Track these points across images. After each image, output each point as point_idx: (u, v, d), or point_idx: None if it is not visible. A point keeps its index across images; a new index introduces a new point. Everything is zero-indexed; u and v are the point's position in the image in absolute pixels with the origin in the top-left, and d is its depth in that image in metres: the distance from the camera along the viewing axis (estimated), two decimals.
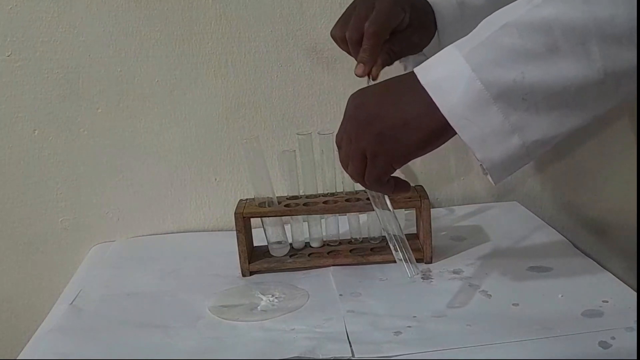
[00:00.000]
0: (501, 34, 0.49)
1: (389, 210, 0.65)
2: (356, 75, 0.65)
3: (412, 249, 0.78)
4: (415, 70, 0.53)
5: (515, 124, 0.50)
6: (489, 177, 0.54)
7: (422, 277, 0.74)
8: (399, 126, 0.53)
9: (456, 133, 0.51)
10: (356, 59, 0.66)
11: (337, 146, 0.60)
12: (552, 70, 0.48)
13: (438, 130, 0.52)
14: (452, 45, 0.52)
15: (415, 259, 0.77)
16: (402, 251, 0.64)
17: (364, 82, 0.91)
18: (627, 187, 0.99)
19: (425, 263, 0.77)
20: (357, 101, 0.56)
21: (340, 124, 0.58)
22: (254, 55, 0.89)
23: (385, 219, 0.65)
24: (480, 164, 0.53)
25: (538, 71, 0.48)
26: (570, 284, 0.69)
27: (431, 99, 0.51)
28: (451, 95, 0.50)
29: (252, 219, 0.77)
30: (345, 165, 0.59)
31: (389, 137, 0.54)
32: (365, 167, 0.56)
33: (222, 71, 0.89)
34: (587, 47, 0.48)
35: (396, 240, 0.65)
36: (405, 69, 0.77)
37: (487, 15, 0.52)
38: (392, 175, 0.58)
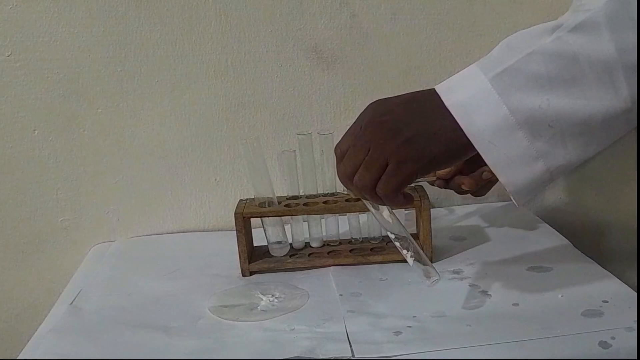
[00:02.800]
0: (527, 60, 0.49)
1: (397, 220, 0.64)
2: None
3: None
4: (438, 90, 0.53)
5: (541, 150, 0.50)
6: (512, 199, 0.54)
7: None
8: (427, 135, 0.53)
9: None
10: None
11: (340, 154, 0.58)
12: (578, 99, 0.49)
13: (463, 147, 0.52)
14: (475, 65, 0.52)
15: (415, 259, 0.77)
16: (417, 255, 0.63)
17: (363, 81, 0.92)
18: (627, 187, 0.99)
19: None
20: (382, 109, 0.55)
21: (348, 131, 0.57)
22: (254, 55, 0.89)
23: (397, 229, 0.64)
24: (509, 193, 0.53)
25: (564, 99, 0.49)
26: (570, 284, 0.69)
27: (455, 122, 0.51)
28: (476, 119, 0.50)
29: (252, 219, 0.77)
30: (350, 175, 0.57)
31: (417, 145, 0.53)
32: (380, 176, 0.55)
33: (222, 71, 0.89)
34: (614, 76, 0.48)
35: (412, 246, 0.63)
36: None
37: None
38: None
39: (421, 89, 0.56)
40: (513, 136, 0.50)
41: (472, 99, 0.51)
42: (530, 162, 0.51)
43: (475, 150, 0.52)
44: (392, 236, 0.64)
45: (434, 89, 0.54)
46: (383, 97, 0.57)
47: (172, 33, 0.87)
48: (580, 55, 0.48)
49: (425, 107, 0.53)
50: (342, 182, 0.59)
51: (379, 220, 0.65)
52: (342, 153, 0.58)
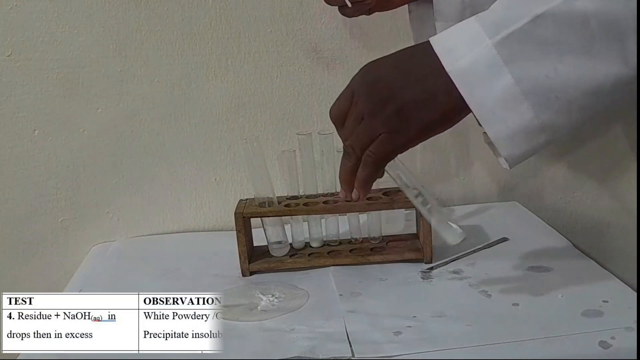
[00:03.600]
0: (535, 24, 0.46)
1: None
2: None
3: (411, 249, 0.78)
4: (437, 50, 0.49)
5: (545, 123, 0.48)
6: (500, 162, 0.52)
7: (422, 277, 0.74)
8: (420, 102, 0.50)
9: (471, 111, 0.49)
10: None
11: (335, 118, 0.56)
12: (587, 67, 0.46)
13: (459, 112, 0.50)
14: (477, 23, 0.48)
15: (415, 259, 0.77)
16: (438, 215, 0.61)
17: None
18: (627, 187, 0.99)
19: (425, 263, 0.77)
20: (371, 76, 0.53)
21: (340, 96, 0.55)
22: (254, 55, 0.89)
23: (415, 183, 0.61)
24: (484, 132, 0.50)
25: (572, 68, 0.46)
26: (570, 284, 0.69)
27: (452, 80, 0.48)
28: (479, 88, 0.48)
29: (252, 219, 0.77)
30: (346, 139, 0.55)
31: (409, 114, 0.51)
32: (369, 145, 0.53)
33: (222, 71, 0.89)
34: (624, 44, 0.45)
35: (429, 205, 0.61)
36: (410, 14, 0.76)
37: None
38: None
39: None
40: (517, 107, 0.47)
41: (475, 65, 0.47)
42: (534, 135, 0.48)
43: (468, 113, 0.50)
44: (414, 192, 0.61)
45: (428, 43, 0.50)
46: (375, 61, 0.54)
47: (172, 33, 0.87)
48: (592, 18, 0.45)
49: (419, 67, 0.50)
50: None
51: (401, 177, 0.61)
52: (336, 118, 0.56)
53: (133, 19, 0.86)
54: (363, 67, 0.54)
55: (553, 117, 0.48)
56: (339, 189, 0.78)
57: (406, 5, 0.77)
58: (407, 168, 0.61)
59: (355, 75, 0.55)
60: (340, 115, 0.55)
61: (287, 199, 0.79)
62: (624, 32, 0.45)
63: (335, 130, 0.57)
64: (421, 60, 0.51)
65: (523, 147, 0.49)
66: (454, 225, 0.61)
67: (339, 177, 0.58)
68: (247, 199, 0.80)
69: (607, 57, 0.46)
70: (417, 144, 0.54)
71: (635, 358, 0.55)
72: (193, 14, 0.87)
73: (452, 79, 0.48)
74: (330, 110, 0.56)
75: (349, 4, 0.71)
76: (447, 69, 0.49)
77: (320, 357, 0.58)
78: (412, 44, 0.89)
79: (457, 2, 0.69)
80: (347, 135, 0.55)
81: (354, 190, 0.57)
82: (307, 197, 0.79)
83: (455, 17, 0.70)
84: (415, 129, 0.52)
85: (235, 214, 0.76)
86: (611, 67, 0.46)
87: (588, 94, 0.47)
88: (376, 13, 0.79)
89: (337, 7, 0.74)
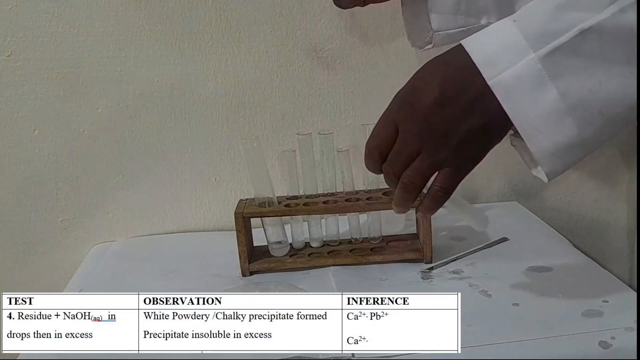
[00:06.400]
0: (583, 38, 0.45)
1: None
2: None
3: (411, 249, 0.78)
4: (476, 59, 0.48)
5: (587, 138, 0.47)
6: (535, 172, 0.52)
7: (422, 278, 0.74)
8: (478, 128, 0.49)
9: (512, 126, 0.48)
10: None
11: (375, 155, 0.54)
12: (631, 82, 0.45)
13: (501, 133, 0.49)
14: (519, 32, 0.47)
15: (415, 259, 0.77)
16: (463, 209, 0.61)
17: (363, 81, 0.91)
18: (627, 187, 0.99)
19: (425, 263, 0.77)
20: (421, 115, 0.50)
21: (379, 129, 0.53)
22: (254, 55, 0.89)
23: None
24: (512, 134, 0.50)
25: (617, 82, 0.45)
26: (570, 284, 0.69)
27: (495, 97, 0.47)
28: (523, 103, 0.47)
29: (252, 219, 0.77)
30: (399, 173, 0.54)
31: (471, 142, 0.50)
32: (430, 177, 0.53)
33: (222, 71, 0.89)
34: None
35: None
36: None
37: None
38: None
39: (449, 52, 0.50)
40: (561, 123, 0.46)
41: (520, 80, 0.46)
42: (575, 150, 0.47)
43: (509, 130, 0.49)
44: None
45: (462, 50, 0.48)
46: (415, 90, 0.52)
47: (172, 33, 0.87)
48: (638, 31, 0.44)
49: (464, 87, 0.49)
50: (386, 181, 0.55)
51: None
52: (379, 152, 0.53)
53: (133, 19, 0.86)
54: (402, 95, 0.52)
55: (596, 132, 0.47)
56: (339, 189, 0.79)
57: None
58: None
59: (391, 104, 0.53)
60: (384, 150, 0.53)
61: (287, 199, 0.79)
62: None
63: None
64: (467, 82, 0.49)
65: (564, 162, 0.49)
66: (479, 212, 0.62)
67: (396, 206, 0.56)
68: (247, 199, 0.80)
69: None
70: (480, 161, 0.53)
71: (635, 358, 0.55)
72: (193, 14, 0.87)
73: (494, 91, 0.47)
74: (370, 144, 0.54)
75: None
76: (488, 81, 0.47)
77: (321, 357, 0.58)
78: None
79: None
80: (399, 169, 0.53)
81: (420, 213, 0.57)
82: (307, 197, 0.79)
83: (450, 9, 0.70)
84: (477, 155, 0.52)
85: (235, 214, 0.76)
86: None
87: (631, 109, 0.46)
88: (376, 12, 0.79)
89: (336, 7, 0.74)
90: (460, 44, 0.50)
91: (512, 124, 0.48)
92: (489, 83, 0.47)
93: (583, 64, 0.45)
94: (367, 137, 0.55)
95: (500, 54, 0.47)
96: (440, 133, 0.50)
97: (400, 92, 0.53)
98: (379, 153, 0.54)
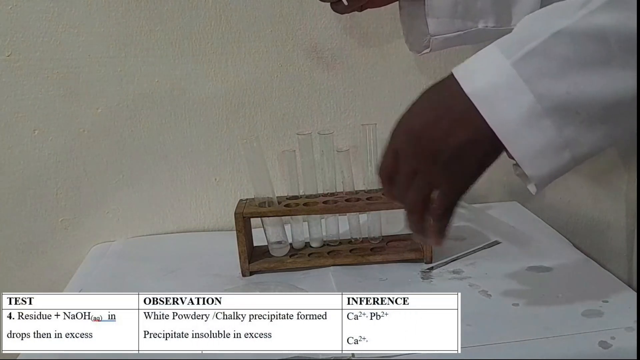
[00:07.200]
0: (553, 41, 0.46)
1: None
2: None
3: (411, 249, 0.78)
4: (457, 75, 0.50)
5: (568, 139, 0.47)
6: (529, 187, 0.53)
7: (422, 278, 0.74)
8: (466, 144, 0.50)
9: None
10: None
11: (384, 182, 0.55)
12: (607, 82, 0.46)
13: (492, 148, 0.50)
14: (495, 46, 0.49)
15: (415, 259, 0.77)
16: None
17: (363, 81, 0.91)
18: (626, 187, 0.99)
19: (425, 263, 0.77)
20: (412, 133, 0.52)
21: (385, 156, 0.55)
22: (254, 55, 0.89)
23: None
24: (514, 164, 0.50)
25: (592, 83, 0.46)
26: (570, 284, 0.69)
27: (478, 111, 0.48)
28: (500, 108, 0.47)
29: (252, 219, 0.77)
30: (401, 197, 0.55)
31: (460, 159, 0.50)
32: (429, 195, 0.54)
33: (222, 71, 0.89)
34: None
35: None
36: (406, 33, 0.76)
37: None
38: None
39: (438, 81, 0.52)
40: (539, 125, 0.47)
41: (495, 87, 0.47)
42: (557, 152, 0.48)
43: (502, 149, 0.49)
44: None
45: (452, 77, 0.50)
46: (410, 114, 0.53)
47: (172, 33, 0.87)
48: (611, 34, 0.45)
49: (451, 106, 0.50)
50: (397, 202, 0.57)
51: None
52: (387, 177, 0.55)
53: (133, 19, 0.86)
54: (400, 122, 0.54)
55: (575, 132, 0.47)
56: (339, 189, 0.79)
57: (397, 2, 0.77)
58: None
59: (393, 131, 0.54)
60: (389, 175, 0.55)
61: (287, 199, 0.79)
62: None
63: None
64: (453, 99, 0.50)
65: (549, 167, 0.49)
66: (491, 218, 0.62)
67: (411, 231, 0.57)
68: (247, 199, 0.80)
69: (625, 71, 0.46)
70: (477, 180, 0.53)
71: (635, 358, 0.55)
72: (193, 14, 0.87)
73: (473, 101, 0.48)
74: (380, 171, 0.56)
75: (345, 2, 0.71)
76: (466, 91, 0.48)
77: (321, 357, 0.58)
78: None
79: None
80: (403, 194, 0.55)
81: (434, 239, 0.57)
82: (307, 197, 0.79)
83: (448, 12, 0.70)
84: (470, 171, 0.52)
85: (235, 214, 0.76)
86: (630, 81, 0.46)
87: (609, 108, 0.47)
88: (376, 12, 0.79)
89: (330, 4, 0.74)
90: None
91: (497, 142, 0.49)
92: (467, 93, 0.48)
93: (557, 66, 0.46)
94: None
95: (477, 65, 0.49)
96: (431, 151, 0.51)
97: (400, 118, 0.54)
98: (385, 177, 0.55)
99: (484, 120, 0.48)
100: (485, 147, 0.50)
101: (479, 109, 0.48)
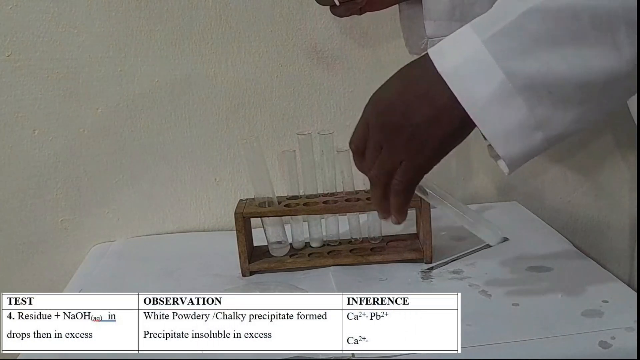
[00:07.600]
0: (524, 19, 0.45)
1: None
2: None
3: (411, 249, 0.78)
4: (430, 53, 0.49)
5: (540, 119, 0.47)
6: (500, 166, 0.52)
7: (422, 278, 0.74)
8: (430, 119, 0.50)
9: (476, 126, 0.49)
10: None
11: (355, 150, 0.56)
12: (579, 61, 0.45)
13: (460, 124, 0.49)
14: (469, 26, 0.49)
15: (415, 259, 0.77)
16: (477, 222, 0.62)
17: (363, 81, 0.92)
18: (627, 188, 0.99)
19: (425, 263, 0.77)
20: (381, 105, 0.53)
21: (356, 128, 0.55)
22: (254, 55, 0.89)
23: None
24: (488, 145, 0.50)
25: (564, 62, 0.45)
26: (570, 284, 0.69)
27: (447, 86, 0.48)
28: (470, 86, 0.47)
29: (252, 219, 0.77)
30: (368, 170, 0.56)
31: (423, 135, 0.50)
32: (393, 172, 0.54)
33: (222, 71, 0.89)
34: (616, 37, 0.44)
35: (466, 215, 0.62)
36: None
37: None
38: None
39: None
40: (511, 104, 0.46)
41: (465, 63, 0.47)
42: (529, 132, 0.47)
43: (472, 128, 0.49)
44: (447, 206, 0.63)
45: (427, 55, 0.50)
46: (382, 88, 0.54)
47: (172, 33, 0.87)
48: (582, 11, 0.44)
49: (422, 83, 0.50)
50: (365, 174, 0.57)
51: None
52: (357, 148, 0.56)
53: (133, 19, 0.86)
54: (373, 96, 0.54)
55: (548, 112, 0.47)
56: (339, 189, 0.79)
57: (397, 5, 0.77)
58: (434, 182, 0.62)
59: (367, 105, 0.54)
60: (360, 147, 0.55)
61: (287, 199, 0.79)
62: (615, 25, 0.44)
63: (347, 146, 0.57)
64: (422, 75, 0.50)
65: (520, 146, 0.48)
66: (492, 227, 0.63)
67: (374, 204, 0.58)
68: (247, 199, 0.80)
69: (598, 50, 0.45)
70: (439, 161, 0.53)
71: (635, 358, 0.55)
72: (193, 14, 0.87)
73: (443, 77, 0.48)
74: (350, 143, 0.56)
75: (337, 3, 0.72)
76: (437, 67, 0.48)
77: (321, 357, 0.58)
78: None
79: (446, 0, 0.69)
80: (369, 165, 0.55)
81: (392, 216, 0.57)
82: (307, 197, 0.79)
83: (445, 16, 0.70)
84: (432, 148, 0.51)
85: (235, 214, 0.76)
86: (603, 60, 0.45)
87: (582, 88, 0.46)
88: (376, 13, 0.79)
89: (329, 7, 0.75)
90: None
91: (466, 113, 0.48)
92: (438, 70, 0.48)
93: (528, 44, 0.46)
94: None
95: (450, 44, 0.49)
96: (395, 125, 0.51)
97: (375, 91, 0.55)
98: (355, 149, 0.56)
99: (451, 97, 0.48)
100: (450, 125, 0.50)
101: (449, 85, 0.48)
